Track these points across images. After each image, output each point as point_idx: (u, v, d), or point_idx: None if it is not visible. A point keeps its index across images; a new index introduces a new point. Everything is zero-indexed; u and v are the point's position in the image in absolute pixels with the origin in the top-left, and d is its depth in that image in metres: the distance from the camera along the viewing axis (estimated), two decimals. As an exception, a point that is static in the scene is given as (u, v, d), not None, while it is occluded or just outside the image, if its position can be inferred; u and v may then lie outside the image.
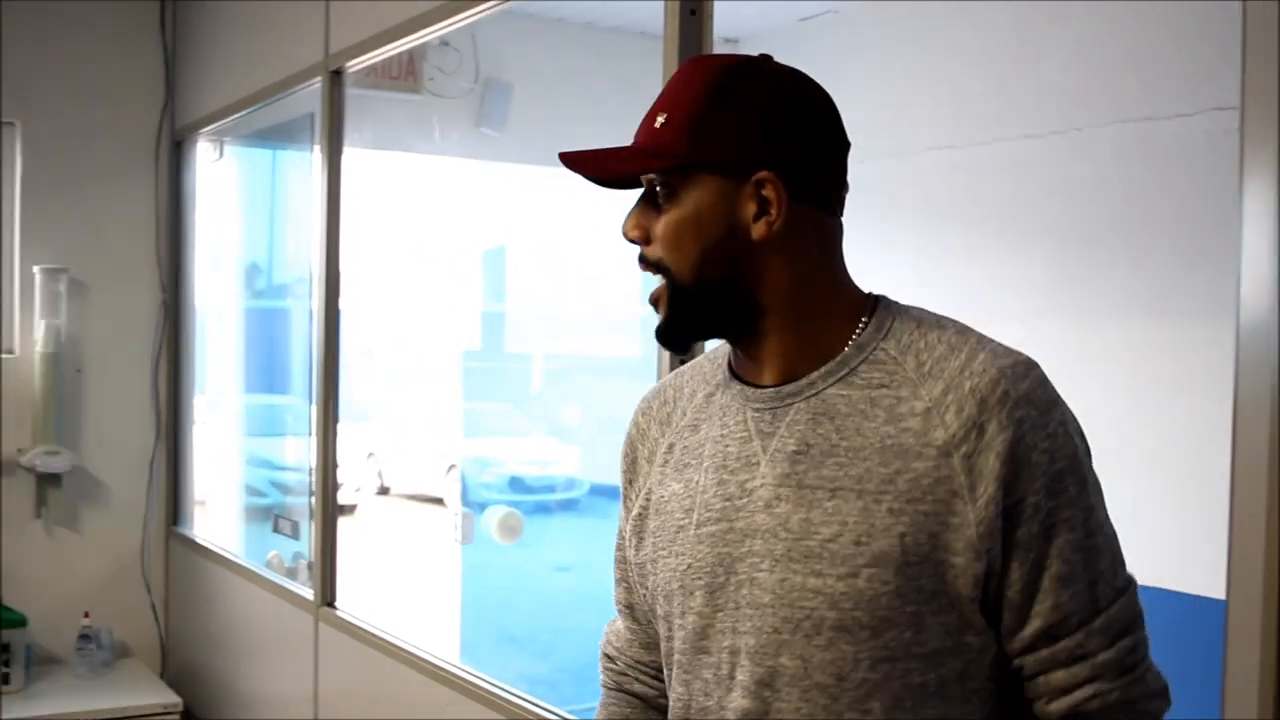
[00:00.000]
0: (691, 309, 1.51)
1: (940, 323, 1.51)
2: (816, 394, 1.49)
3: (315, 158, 3.90)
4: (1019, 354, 1.46)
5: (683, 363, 1.84)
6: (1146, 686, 1.46)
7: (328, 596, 3.67)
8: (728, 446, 1.55)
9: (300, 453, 4.21)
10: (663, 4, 2.34)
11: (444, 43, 4.83)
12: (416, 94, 5.00)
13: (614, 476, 1.76)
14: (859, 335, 1.50)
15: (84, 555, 4.88)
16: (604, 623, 1.81)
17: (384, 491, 9.82)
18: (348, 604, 3.64)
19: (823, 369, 1.49)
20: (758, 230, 1.46)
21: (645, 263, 1.54)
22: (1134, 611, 1.46)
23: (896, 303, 1.55)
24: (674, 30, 2.30)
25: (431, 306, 5.28)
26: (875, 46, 4.81)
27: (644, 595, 1.65)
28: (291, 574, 4.18)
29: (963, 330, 1.50)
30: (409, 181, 5.07)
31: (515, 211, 5.62)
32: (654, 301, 1.54)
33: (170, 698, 4.54)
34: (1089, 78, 3.96)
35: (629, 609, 1.75)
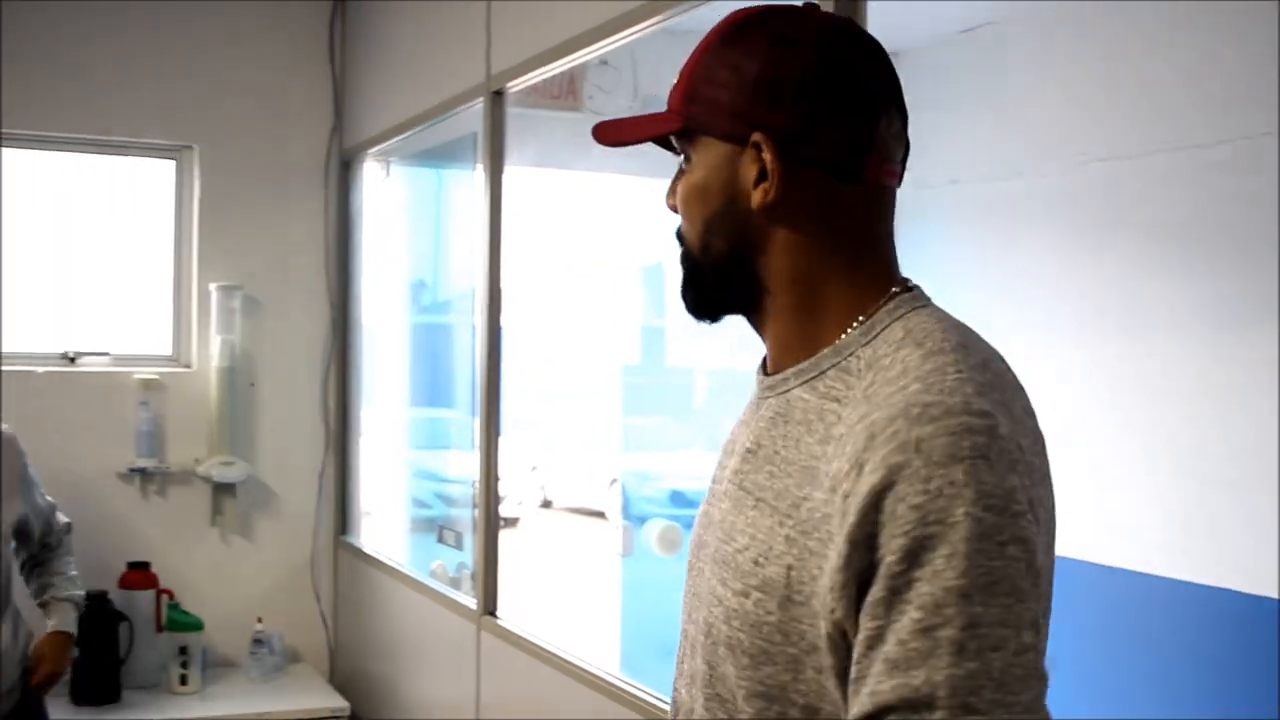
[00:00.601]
0: (699, 282, 1.41)
1: (930, 338, 1.28)
2: (786, 392, 1.35)
3: (478, 176, 3.99)
4: (960, 398, 1.19)
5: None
6: None
7: (489, 606, 3.73)
8: (733, 431, 1.47)
9: (463, 466, 4.29)
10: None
11: (603, 61, 4.89)
12: (577, 112, 5.07)
13: None
14: (847, 334, 1.32)
15: (257, 563, 5.04)
16: None
17: (547, 504, 9.92)
18: (509, 614, 3.70)
19: (799, 365, 1.34)
20: (755, 198, 1.31)
21: (676, 233, 1.44)
22: None
23: (915, 300, 1.35)
24: (827, 46, 2.31)
25: (592, 322, 5.34)
26: (1036, 58, 4.75)
27: None
28: (455, 584, 4.26)
29: (939, 354, 1.25)
30: (569, 198, 5.14)
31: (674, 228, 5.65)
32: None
33: (338, 702, 4.65)
34: (1259, 87, 3.86)
35: None
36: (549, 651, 3.37)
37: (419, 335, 5.16)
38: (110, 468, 4.76)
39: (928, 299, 1.37)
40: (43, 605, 3.51)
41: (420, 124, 4.30)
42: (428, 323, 5.15)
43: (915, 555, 1.13)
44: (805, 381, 1.32)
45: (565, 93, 5.03)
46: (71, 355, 4.81)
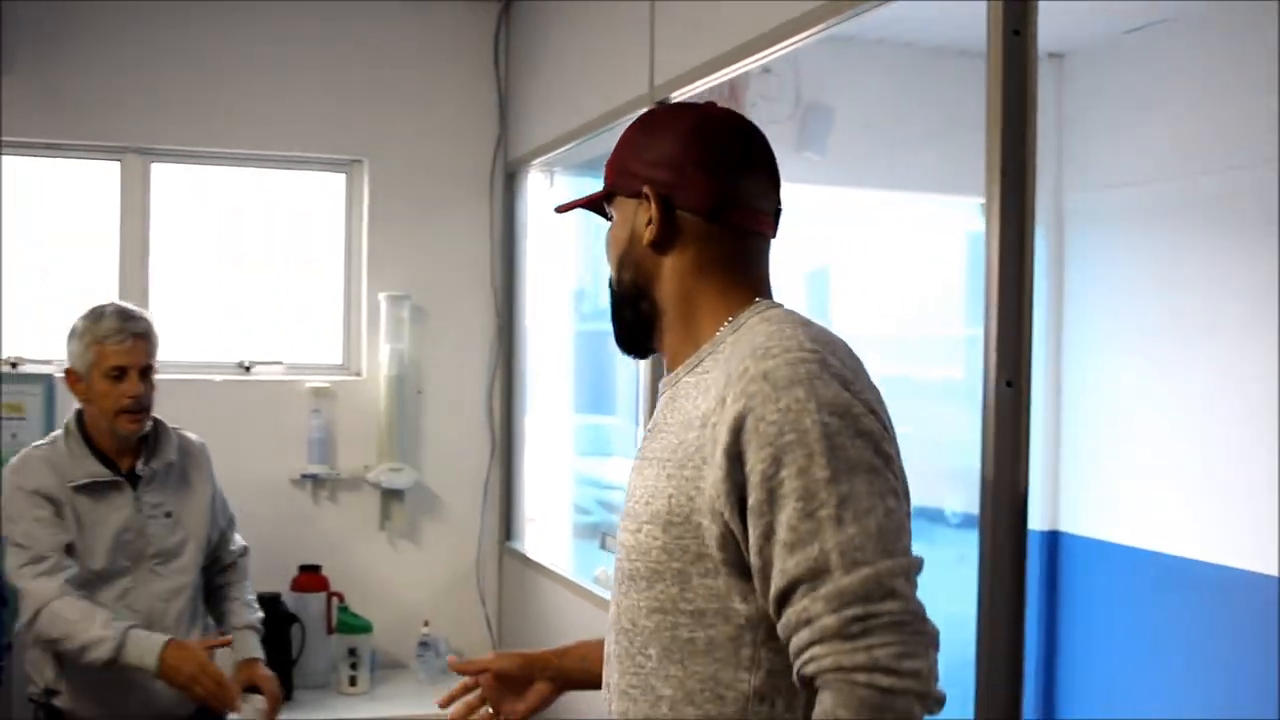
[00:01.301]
0: (620, 314, 1.82)
1: (777, 318, 1.67)
2: (677, 382, 1.74)
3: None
4: (796, 341, 1.58)
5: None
6: (873, 660, 1.43)
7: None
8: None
9: (626, 472, 4.31)
10: (985, 24, 2.32)
11: (765, 69, 4.88)
12: (738, 121, 5.04)
13: (935, 498, 1.83)
14: (719, 332, 1.72)
15: (423, 567, 5.12)
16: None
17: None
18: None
19: (686, 362, 1.74)
20: (645, 236, 1.74)
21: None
22: (876, 587, 1.45)
23: (775, 304, 1.75)
24: (997, 50, 2.27)
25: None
26: (1201, 58, 4.63)
27: None
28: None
29: (782, 324, 1.64)
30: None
31: (838, 235, 5.60)
32: None
33: (507, 704, 4.68)
34: None
35: None
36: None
37: (582, 342, 5.19)
38: (283, 473, 4.88)
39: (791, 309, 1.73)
40: (221, 631, 3.59)
41: (584, 135, 4.33)
42: (590, 330, 5.18)
43: (780, 460, 1.50)
44: (690, 371, 1.72)
45: (727, 101, 5.03)
46: (247, 364, 4.95)
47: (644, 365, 3.77)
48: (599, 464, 5.22)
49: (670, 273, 1.75)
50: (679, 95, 3.66)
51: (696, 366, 1.71)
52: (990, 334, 2.27)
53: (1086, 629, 5.23)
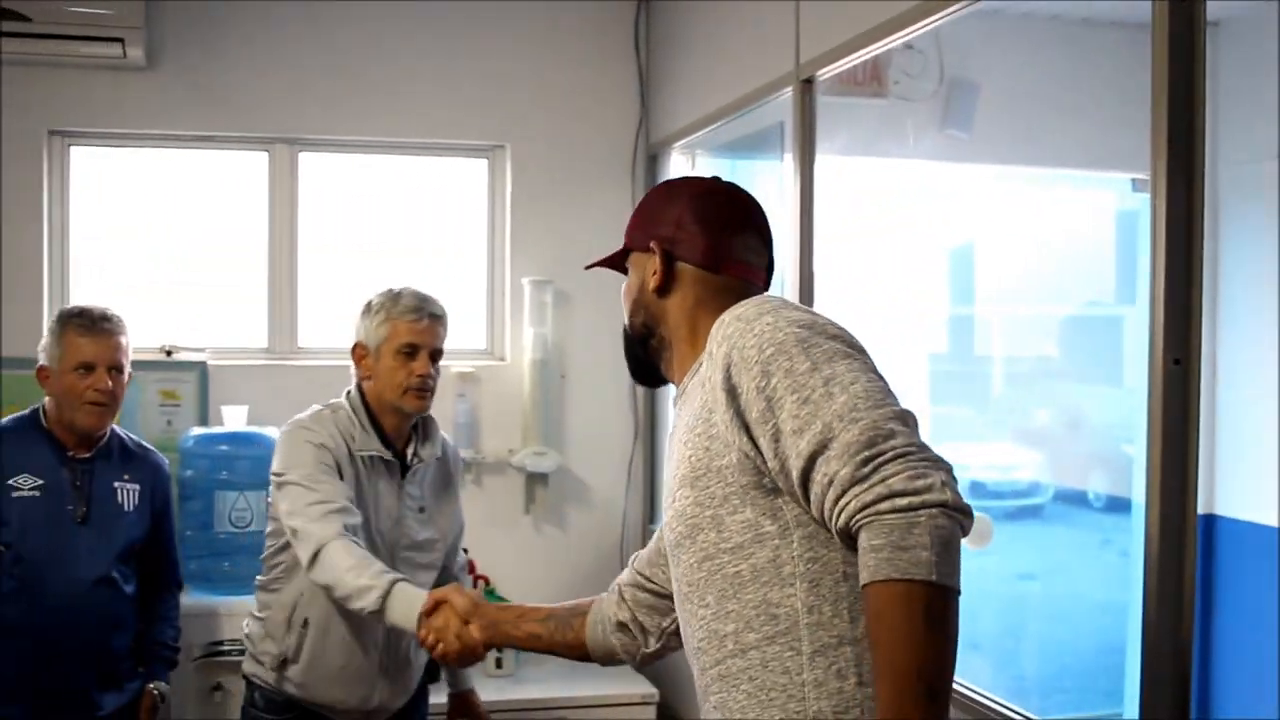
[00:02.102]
0: (634, 352, 2.13)
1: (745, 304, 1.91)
2: (684, 389, 2.02)
3: (785, 166, 3.97)
4: (759, 297, 1.92)
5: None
6: (888, 489, 1.60)
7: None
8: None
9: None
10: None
11: (908, 45, 4.80)
12: (881, 99, 4.98)
13: (1078, 479, 1.89)
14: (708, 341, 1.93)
15: (568, 550, 5.15)
16: (1070, 633, 2.12)
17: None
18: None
19: (690, 370, 2.00)
20: (651, 283, 2.04)
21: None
22: (874, 432, 1.64)
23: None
24: (1163, 19, 2.20)
25: (895, 309, 5.25)
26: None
27: None
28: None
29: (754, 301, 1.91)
30: (872, 186, 5.07)
31: (982, 212, 5.51)
32: None
33: (648, 689, 4.71)
34: None
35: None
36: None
37: (724, 325, 5.17)
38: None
39: None
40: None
41: (728, 115, 4.31)
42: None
43: (768, 372, 1.74)
44: (692, 376, 1.98)
45: (869, 78, 4.96)
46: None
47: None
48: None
49: (674, 310, 2.04)
50: (826, 73, 3.63)
51: (698, 370, 1.95)
52: (1157, 310, 2.20)
53: (1242, 618, 5.08)
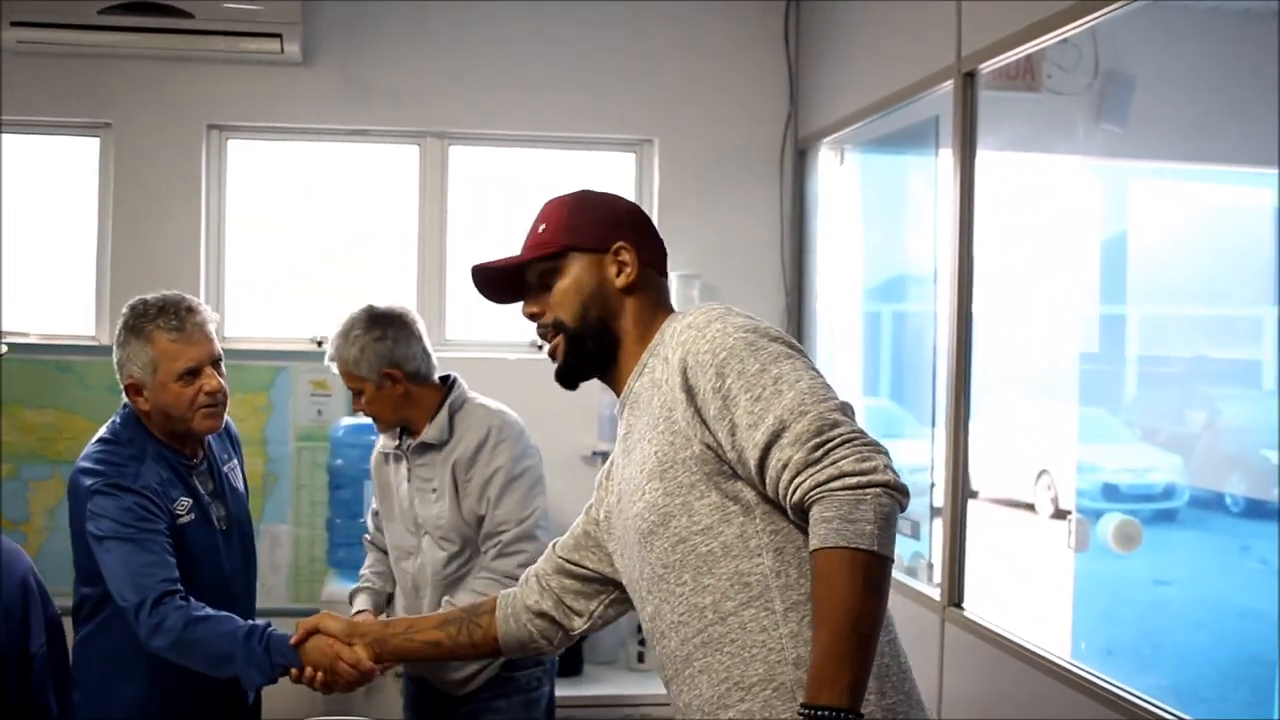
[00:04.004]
0: (580, 347, 2.20)
1: (691, 311, 2.12)
2: (631, 391, 2.19)
3: (940, 161, 3.92)
4: (705, 306, 2.11)
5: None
6: (839, 470, 1.84)
7: (955, 597, 3.67)
8: (617, 451, 2.28)
9: (916, 454, 4.24)
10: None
11: (1063, 38, 4.72)
12: (1034, 92, 4.90)
13: (1214, 482, 2.01)
14: (653, 341, 2.18)
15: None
16: (1208, 638, 2.13)
17: (972, 495, 9.70)
18: (975, 606, 3.62)
19: (634, 373, 2.19)
20: (620, 281, 2.19)
21: (544, 329, 2.24)
22: (822, 421, 1.88)
23: (683, 312, 2.17)
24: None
25: (1048, 307, 5.17)
26: None
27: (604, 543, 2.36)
28: (910, 573, 4.22)
29: (701, 308, 2.12)
30: (1024, 182, 4.99)
31: (1136, 207, 5.39)
32: (551, 354, 2.25)
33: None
34: None
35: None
36: (1017, 644, 3.30)
37: (871, 323, 5.12)
38: (575, 450, 4.97)
39: None
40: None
41: (881, 110, 4.26)
42: (881, 310, 5.11)
43: (721, 373, 1.96)
44: (639, 377, 2.17)
45: (1023, 73, 4.87)
46: (540, 343, 5.02)
47: (948, 346, 3.71)
48: (891, 445, 5.13)
49: (632, 309, 2.20)
50: (987, 66, 3.58)
51: (643, 372, 2.16)
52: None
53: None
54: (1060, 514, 5.62)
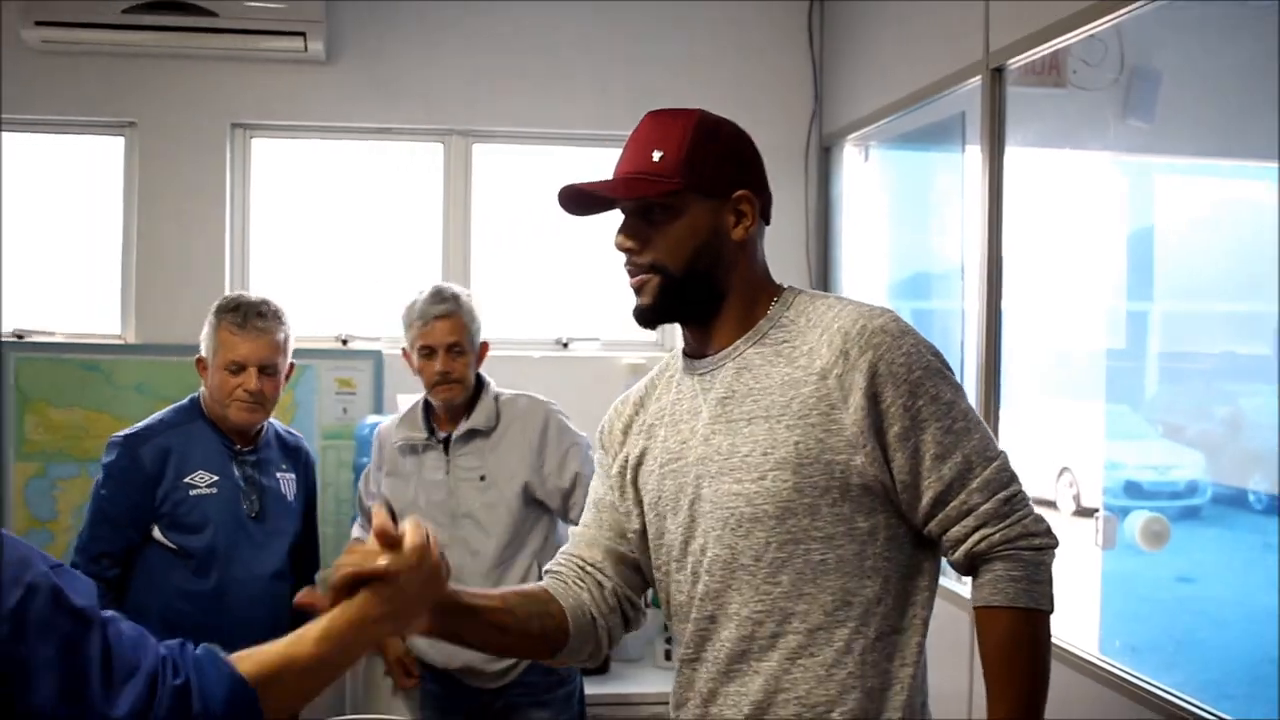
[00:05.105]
0: (679, 295, 2.02)
1: (829, 296, 2.07)
2: (740, 354, 2.04)
3: (967, 158, 3.90)
4: (880, 306, 1.99)
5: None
6: (1025, 528, 1.92)
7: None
8: (679, 405, 2.11)
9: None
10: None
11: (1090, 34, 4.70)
12: (1059, 88, 4.87)
13: (1238, 478, 2.27)
14: (771, 310, 2.06)
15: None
16: (1232, 636, 2.31)
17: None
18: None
19: (744, 336, 2.05)
20: (737, 234, 2.03)
21: (636, 266, 2.04)
22: (1007, 474, 1.94)
23: (802, 289, 2.10)
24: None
25: (1074, 304, 5.15)
26: None
27: (634, 534, 2.17)
28: (941, 571, 4.20)
29: (842, 298, 2.05)
30: (1050, 178, 4.98)
31: (1162, 202, 5.37)
32: (636, 288, 2.05)
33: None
34: None
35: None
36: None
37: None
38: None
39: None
40: None
41: (908, 106, 4.25)
42: (906, 308, 5.09)
43: (916, 391, 1.91)
44: (754, 344, 2.04)
45: (1048, 68, 4.85)
46: (565, 341, 5.03)
47: (977, 343, 3.70)
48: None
49: (744, 264, 2.05)
50: (1016, 62, 3.57)
51: (761, 339, 2.03)
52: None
53: None
54: (1082, 511, 5.60)
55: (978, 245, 3.70)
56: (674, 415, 2.10)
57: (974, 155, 3.83)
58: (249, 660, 1.61)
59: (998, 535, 1.90)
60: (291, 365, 3.55)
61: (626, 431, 2.21)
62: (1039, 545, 1.92)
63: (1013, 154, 3.77)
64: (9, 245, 4.84)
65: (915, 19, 4.24)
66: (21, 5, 4.53)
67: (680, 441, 2.07)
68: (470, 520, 3.56)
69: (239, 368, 3.35)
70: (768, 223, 2.10)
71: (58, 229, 5.02)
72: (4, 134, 4.86)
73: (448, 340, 3.53)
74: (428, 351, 3.54)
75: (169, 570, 3.36)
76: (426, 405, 3.67)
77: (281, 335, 3.44)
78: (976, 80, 3.71)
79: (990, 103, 3.64)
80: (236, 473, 3.43)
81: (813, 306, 2.03)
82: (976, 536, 1.91)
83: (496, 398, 3.64)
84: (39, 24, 4.56)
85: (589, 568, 2.19)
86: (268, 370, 3.39)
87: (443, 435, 3.60)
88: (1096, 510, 4.00)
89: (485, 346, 3.69)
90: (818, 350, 1.96)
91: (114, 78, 4.85)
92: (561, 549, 2.26)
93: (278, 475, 3.52)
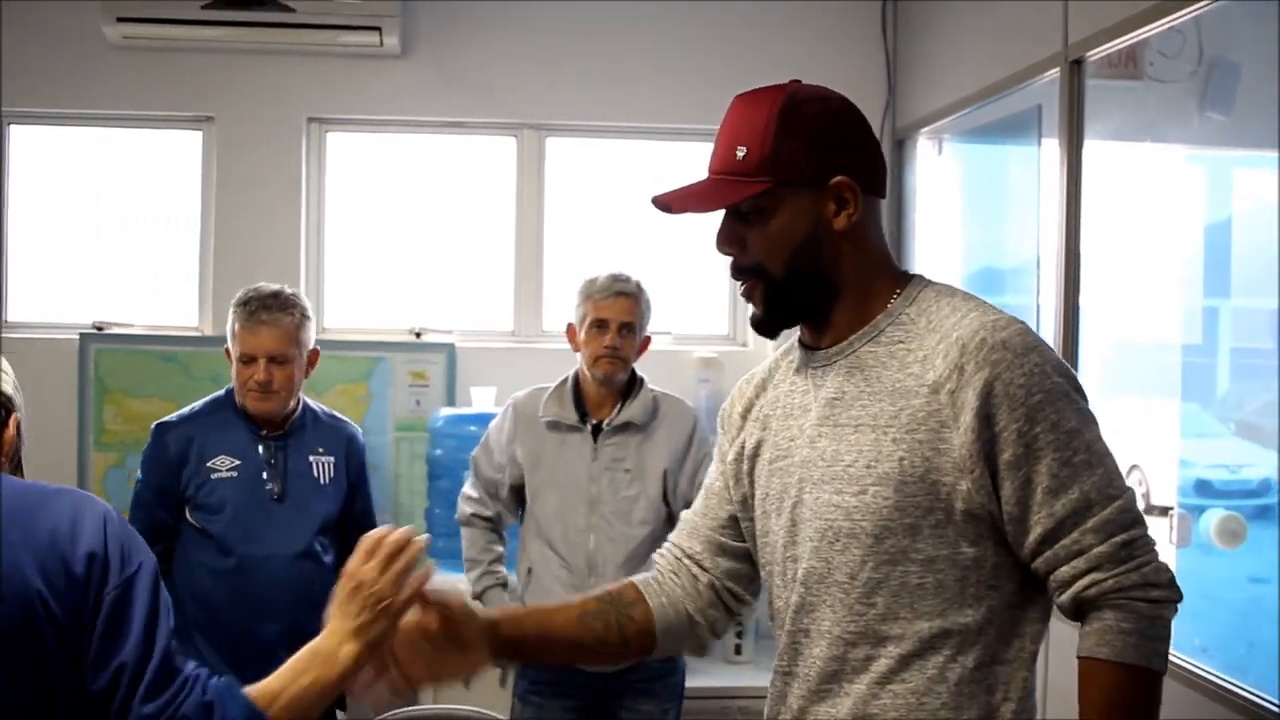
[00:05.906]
0: (785, 299, 1.90)
1: (956, 294, 1.88)
2: (854, 351, 1.89)
3: (1044, 151, 3.88)
4: (1008, 315, 1.81)
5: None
6: (1144, 577, 1.74)
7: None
8: (792, 398, 1.98)
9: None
10: None
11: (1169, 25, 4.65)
12: (1136, 80, 4.82)
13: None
14: (892, 304, 1.88)
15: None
16: None
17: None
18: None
19: (859, 332, 1.89)
20: (839, 223, 1.85)
21: (740, 270, 1.92)
22: (1129, 515, 1.75)
23: (929, 280, 1.93)
24: None
25: (1135, 300, 5.11)
26: None
27: (746, 525, 2.07)
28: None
29: (971, 299, 1.86)
30: (1127, 171, 4.93)
31: (1239, 202, 5.30)
32: (747, 296, 1.93)
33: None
34: None
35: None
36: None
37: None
38: (672, 441, 4.96)
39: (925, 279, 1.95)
40: None
41: (983, 99, 4.22)
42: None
43: (1034, 417, 1.73)
44: (869, 341, 1.88)
45: (1125, 60, 4.80)
46: (637, 335, 5.04)
47: (1053, 340, 3.67)
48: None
49: (851, 254, 1.88)
50: (1095, 54, 3.54)
51: (878, 337, 1.88)
52: None
53: None
54: (1152, 510, 5.54)
55: (1054, 239, 3.67)
56: (786, 409, 1.98)
57: (1050, 148, 3.80)
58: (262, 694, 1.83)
59: (1111, 582, 1.73)
60: (315, 351, 3.64)
61: (745, 415, 2.07)
62: (1157, 598, 1.74)
63: (1091, 147, 3.73)
64: (92, 239, 4.92)
65: (992, 11, 4.21)
66: (104, 3, 4.60)
67: (789, 439, 1.95)
68: (610, 509, 3.62)
69: (249, 359, 3.48)
70: (881, 196, 1.92)
71: (137, 222, 5.10)
72: (86, 128, 4.96)
73: (623, 318, 3.61)
74: (599, 325, 3.61)
75: (197, 549, 3.50)
76: (575, 387, 3.70)
77: (293, 324, 3.53)
78: (1054, 72, 3.69)
79: (1069, 95, 3.61)
80: (261, 455, 3.54)
81: (936, 306, 1.85)
82: (1086, 580, 1.74)
83: (653, 393, 3.72)
84: (120, 20, 4.64)
85: (686, 559, 2.14)
86: (278, 360, 3.49)
87: (593, 421, 3.66)
88: (1170, 509, 3.92)
89: (647, 340, 3.77)
90: (933, 359, 1.80)
91: (193, 73, 4.92)
92: (669, 536, 2.21)
93: (310, 458, 3.60)
